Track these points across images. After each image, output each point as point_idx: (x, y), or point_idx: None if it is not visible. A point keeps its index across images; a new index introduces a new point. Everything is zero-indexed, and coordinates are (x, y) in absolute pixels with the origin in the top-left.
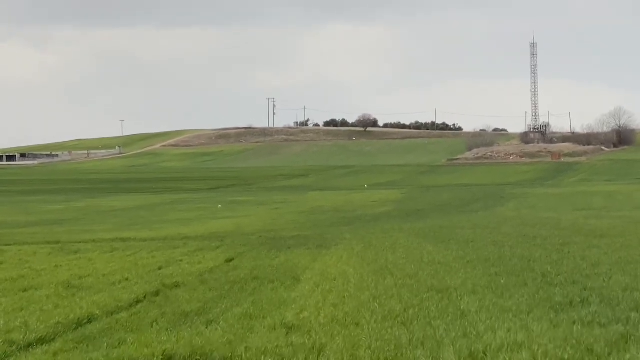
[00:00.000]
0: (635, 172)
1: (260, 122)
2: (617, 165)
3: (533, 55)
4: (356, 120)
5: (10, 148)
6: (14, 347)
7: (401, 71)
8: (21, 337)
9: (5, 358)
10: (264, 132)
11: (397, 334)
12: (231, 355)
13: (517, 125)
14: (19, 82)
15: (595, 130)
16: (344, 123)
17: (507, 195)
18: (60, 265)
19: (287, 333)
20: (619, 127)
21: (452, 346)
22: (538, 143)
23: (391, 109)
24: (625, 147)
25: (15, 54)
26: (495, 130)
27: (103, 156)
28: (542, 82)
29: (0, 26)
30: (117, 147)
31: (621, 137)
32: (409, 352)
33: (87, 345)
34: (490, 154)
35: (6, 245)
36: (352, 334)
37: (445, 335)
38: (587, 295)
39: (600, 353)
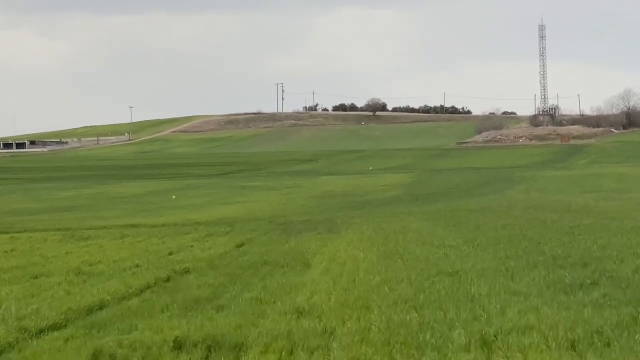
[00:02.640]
0: None
1: (269, 107)
2: (627, 147)
3: (542, 37)
4: (365, 105)
5: (20, 135)
6: (26, 334)
7: (410, 55)
8: (33, 323)
9: (17, 344)
10: (273, 117)
11: (407, 317)
12: (242, 340)
13: (526, 108)
14: (28, 69)
15: (605, 112)
16: (352, 107)
17: (516, 178)
18: (71, 252)
19: (298, 317)
20: (628, 108)
21: (462, 329)
22: (547, 126)
23: (400, 93)
24: (635, 129)
25: (25, 42)
26: (505, 113)
27: (112, 143)
28: (551, 65)
29: (10, 14)
30: (126, 134)
31: (630, 119)
32: (419, 336)
33: (98, 331)
34: (499, 137)
35: (17, 232)
36: (363, 317)
37: (455, 319)
38: (597, 277)
39: (610, 335)
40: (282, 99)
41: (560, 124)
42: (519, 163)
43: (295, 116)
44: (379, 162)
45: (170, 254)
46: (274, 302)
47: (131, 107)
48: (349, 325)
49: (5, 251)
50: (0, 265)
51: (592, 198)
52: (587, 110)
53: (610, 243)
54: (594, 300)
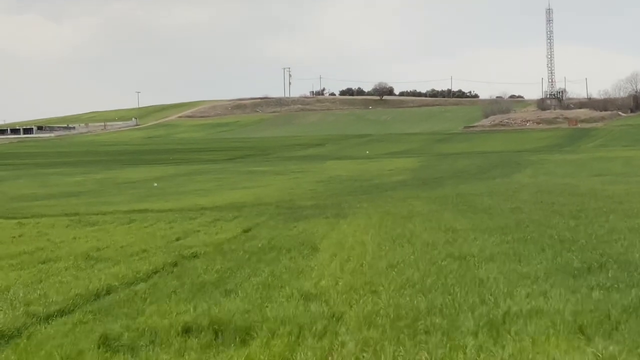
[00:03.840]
0: None
1: (276, 92)
2: (635, 130)
3: (549, 21)
4: (372, 89)
5: (27, 121)
6: (34, 319)
7: (417, 39)
8: (40, 308)
9: (25, 330)
10: (280, 102)
11: (415, 301)
12: (250, 325)
13: (533, 92)
14: (35, 55)
15: (612, 96)
16: (359, 92)
17: (524, 162)
18: (79, 237)
19: (305, 302)
20: (636, 92)
21: (470, 313)
22: (554, 109)
23: (407, 77)
24: None
25: (32, 27)
26: (512, 97)
27: (119, 128)
28: (559, 48)
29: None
30: (133, 119)
31: (638, 102)
32: (427, 320)
33: (106, 317)
34: (506, 120)
35: (25, 218)
36: (370, 302)
37: (463, 303)
38: (605, 260)
39: (618, 318)
40: (289, 83)
41: (568, 107)
42: (527, 147)
43: (302, 101)
44: (386, 147)
45: (178, 239)
46: (281, 286)
47: (138, 92)
48: (357, 310)
49: (13, 237)
50: (8, 251)
51: (600, 181)
52: (595, 94)
53: (618, 226)
54: (602, 283)
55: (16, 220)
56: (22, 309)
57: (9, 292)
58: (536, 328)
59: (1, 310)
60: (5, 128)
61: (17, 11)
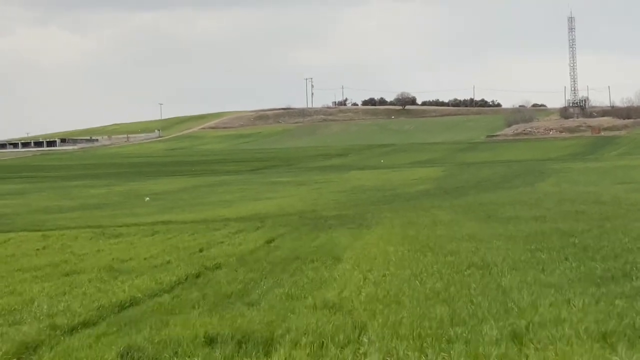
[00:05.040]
0: None
1: (299, 103)
2: None
3: (571, 29)
4: (394, 99)
5: (51, 133)
6: (58, 331)
7: (439, 48)
8: (65, 321)
9: (49, 342)
10: (303, 113)
11: (438, 311)
12: (273, 336)
13: (556, 100)
14: (58, 67)
15: (635, 104)
16: (382, 102)
17: (547, 171)
18: (102, 250)
19: (329, 312)
20: None
21: (493, 322)
22: (577, 118)
23: (430, 87)
24: None
25: (54, 39)
26: (534, 105)
27: (142, 140)
28: (581, 56)
29: (38, 11)
30: (156, 131)
31: None
32: (450, 330)
33: (129, 328)
34: (529, 129)
35: (49, 230)
36: (394, 312)
37: (487, 312)
38: (629, 269)
39: None
40: (312, 94)
41: (591, 115)
42: (550, 155)
43: (324, 111)
44: (409, 156)
45: (201, 250)
46: (304, 297)
47: (161, 104)
48: (380, 320)
49: (37, 249)
50: (32, 263)
51: (623, 189)
52: (618, 102)
53: None
54: (626, 292)
55: (40, 233)
56: (46, 321)
57: (33, 304)
58: (560, 337)
59: (26, 322)
60: (28, 141)
61: (40, 23)
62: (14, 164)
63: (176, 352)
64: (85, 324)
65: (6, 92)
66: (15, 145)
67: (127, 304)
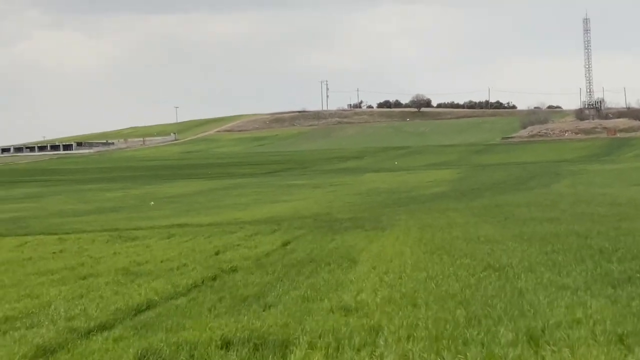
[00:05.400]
0: None
1: (314, 105)
2: None
3: (586, 31)
4: (410, 101)
5: (67, 137)
6: (75, 334)
7: (454, 50)
8: (81, 324)
9: (67, 345)
10: (318, 115)
11: (454, 313)
12: (289, 338)
13: (571, 102)
14: (74, 71)
15: None
16: (397, 104)
17: (562, 172)
18: (119, 253)
19: (345, 315)
20: None
21: (509, 324)
22: (593, 119)
23: (445, 89)
24: None
25: (71, 44)
26: (550, 107)
27: (158, 143)
28: (597, 58)
29: (55, 15)
30: (172, 134)
31: None
32: (466, 332)
33: (146, 331)
34: (544, 131)
35: (65, 233)
36: (410, 314)
37: (502, 314)
38: None
39: None
40: (327, 97)
41: (606, 117)
42: (565, 157)
43: (339, 114)
44: (425, 159)
45: (217, 253)
46: (320, 299)
47: (177, 107)
48: (396, 322)
49: (54, 252)
50: (49, 267)
51: (639, 191)
52: (634, 103)
53: None
54: None
55: (57, 236)
56: (63, 324)
57: (50, 307)
58: (576, 339)
59: (43, 325)
60: (45, 145)
61: (55, 27)
62: (30, 168)
63: (192, 355)
64: (102, 327)
65: (23, 96)
66: (31, 149)
67: (143, 307)
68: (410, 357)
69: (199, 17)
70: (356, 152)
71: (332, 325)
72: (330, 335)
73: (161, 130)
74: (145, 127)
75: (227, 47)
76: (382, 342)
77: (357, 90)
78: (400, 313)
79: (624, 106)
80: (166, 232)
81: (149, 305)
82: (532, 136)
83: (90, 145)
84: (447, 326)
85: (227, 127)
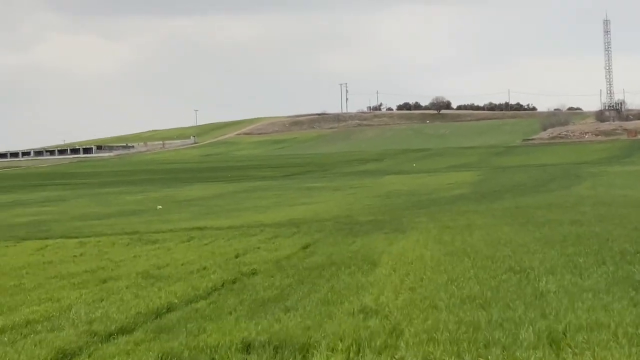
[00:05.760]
0: None
1: (333, 108)
2: None
3: (606, 32)
4: (429, 103)
5: (87, 140)
6: (95, 338)
7: (474, 52)
8: (102, 327)
9: (87, 348)
10: (337, 118)
11: (475, 316)
12: (310, 341)
13: (591, 104)
14: (93, 74)
15: None
16: (417, 106)
17: (583, 174)
18: (139, 256)
19: (365, 317)
20: None
21: (531, 327)
22: (613, 121)
23: (464, 91)
24: None
25: (89, 47)
26: (570, 109)
27: (178, 146)
28: (617, 59)
29: (73, 19)
30: (191, 137)
31: None
32: (487, 334)
33: (166, 335)
34: (565, 133)
35: (85, 237)
36: (430, 317)
37: (524, 316)
38: None
39: None
40: (346, 99)
41: (627, 119)
42: (585, 159)
43: (359, 116)
44: (445, 161)
45: (237, 256)
46: (341, 302)
47: (196, 110)
48: (417, 325)
49: (74, 255)
50: (69, 270)
51: None
52: None
53: None
54: None
55: (77, 240)
56: (84, 327)
57: (70, 310)
58: (597, 341)
59: (63, 329)
60: (65, 148)
61: (75, 31)
62: (50, 171)
63: (213, 358)
64: (122, 331)
65: (43, 99)
66: (51, 152)
67: (163, 310)
68: (432, 359)
69: (218, 20)
70: (376, 155)
71: (353, 328)
72: (350, 338)
73: (181, 133)
74: (164, 130)
75: (247, 49)
76: (402, 345)
77: (377, 93)
78: (421, 315)
79: None
80: (186, 235)
81: (170, 309)
82: (553, 138)
83: (110, 148)
84: (468, 329)
85: (247, 130)
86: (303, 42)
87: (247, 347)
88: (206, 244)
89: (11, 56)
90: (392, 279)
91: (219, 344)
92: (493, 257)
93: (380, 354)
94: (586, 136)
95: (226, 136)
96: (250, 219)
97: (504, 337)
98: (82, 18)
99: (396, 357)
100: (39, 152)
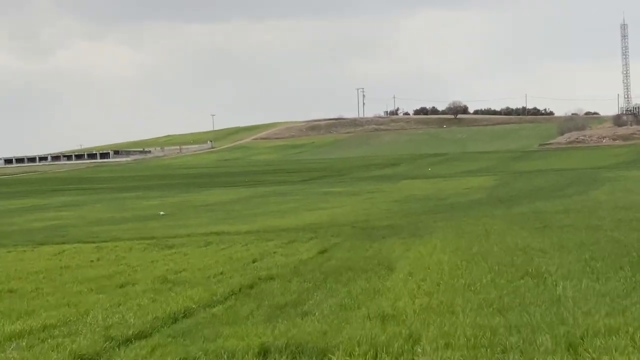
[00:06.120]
0: None
1: (350, 113)
2: None
3: (624, 37)
4: (446, 108)
5: (104, 145)
6: (113, 343)
7: (491, 57)
8: (120, 332)
9: (105, 353)
10: (354, 123)
11: (492, 321)
12: (327, 346)
13: (609, 108)
14: (111, 80)
15: None
16: (434, 111)
17: (600, 179)
18: (156, 261)
19: (382, 322)
20: None
21: (548, 332)
22: (631, 125)
23: (481, 96)
24: None
25: (108, 52)
26: (587, 113)
27: (195, 151)
28: (635, 63)
29: (93, 24)
30: (208, 142)
31: None
32: (504, 339)
33: (184, 339)
34: (582, 137)
35: (103, 242)
36: (448, 322)
37: (541, 322)
38: None
39: None
40: (363, 104)
41: None
42: (603, 164)
43: (376, 121)
44: (462, 165)
45: (254, 261)
46: (358, 307)
47: (213, 115)
48: (434, 330)
49: (92, 260)
50: (87, 275)
51: None
52: None
53: None
54: None
55: (95, 245)
56: (101, 332)
57: (88, 315)
58: (615, 347)
59: (81, 333)
60: (82, 153)
61: (94, 36)
62: (67, 176)
63: None
64: (139, 336)
65: (60, 104)
66: (69, 157)
67: (181, 315)
68: None
69: (237, 26)
70: (393, 159)
71: (370, 333)
72: (368, 343)
73: (198, 138)
74: (181, 135)
75: (264, 55)
76: (420, 350)
77: (394, 98)
78: (438, 321)
79: None
80: (203, 240)
81: (187, 314)
82: (570, 142)
83: (128, 153)
84: (486, 334)
85: (264, 135)
86: (320, 47)
87: (264, 352)
88: (223, 249)
89: (31, 62)
90: (409, 284)
91: (236, 348)
92: (510, 262)
93: (398, 359)
94: (604, 141)
95: (243, 141)
96: (267, 224)
97: (522, 343)
98: (101, 24)
99: None
100: (56, 157)
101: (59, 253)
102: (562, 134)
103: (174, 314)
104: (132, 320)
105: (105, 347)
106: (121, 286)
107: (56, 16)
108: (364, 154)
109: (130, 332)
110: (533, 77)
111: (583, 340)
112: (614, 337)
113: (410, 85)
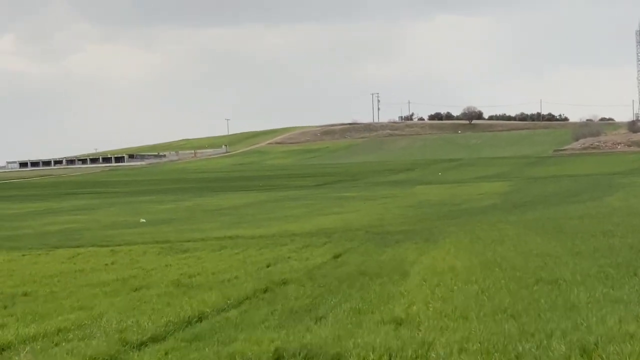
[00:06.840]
0: None
1: (365, 117)
2: None
3: (639, 43)
4: (461, 113)
5: (119, 149)
6: (127, 346)
7: (506, 62)
8: (134, 336)
9: (119, 357)
10: (369, 127)
11: (506, 327)
12: (340, 351)
13: (624, 114)
14: (126, 83)
15: None
16: (448, 116)
17: (615, 185)
18: (170, 265)
19: (396, 328)
20: None
21: (562, 338)
22: None
23: (496, 101)
24: None
25: (123, 55)
26: (602, 119)
27: (210, 155)
28: None
29: (107, 28)
30: (223, 146)
31: None
32: (518, 345)
33: (198, 344)
34: (597, 143)
35: (117, 245)
36: (461, 327)
37: (555, 328)
38: None
39: None
40: (378, 109)
41: None
42: (618, 170)
43: (391, 126)
44: (476, 171)
45: (268, 265)
46: (372, 312)
47: (228, 119)
48: (448, 335)
49: (106, 264)
50: (101, 278)
51: None
52: None
53: None
54: None
55: (109, 248)
56: (115, 336)
57: (102, 319)
58: (629, 353)
59: (95, 337)
60: (97, 157)
61: (107, 40)
62: (82, 180)
63: None
64: (154, 339)
65: (75, 108)
66: (83, 161)
67: (195, 319)
68: None
69: (251, 29)
70: (407, 164)
71: (384, 338)
72: (382, 348)
73: (212, 142)
74: (196, 139)
75: (278, 59)
76: (433, 356)
77: (408, 103)
78: (452, 326)
79: None
80: (217, 244)
81: (201, 318)
82: (585, 148)
83: (142, 157)
84: (499, 339)
85: (278, 140)
86: (335, 52)
87: (278, 357)
88: (237, 253)
89: (45, 65)
90: (422, 289)
91: (250, 353)
92: (524, 267)
93: None
94: (618, 147)
95: (258, 145)
96: (282, 229)
97: (535, 348)
98: (115, 28)
99: None
100: (71, 161)
101: (73, 256)
102: (576, 139)
103: (188, 318)
104: (146, 324)
105: (119, 350)
106: (135, 290)
107: (70, 20)
108: (378, 159)
109: (144, 336)
110: (548, 82)
111: (597, 347)
112: (628, 344)
113: (425, 91)
